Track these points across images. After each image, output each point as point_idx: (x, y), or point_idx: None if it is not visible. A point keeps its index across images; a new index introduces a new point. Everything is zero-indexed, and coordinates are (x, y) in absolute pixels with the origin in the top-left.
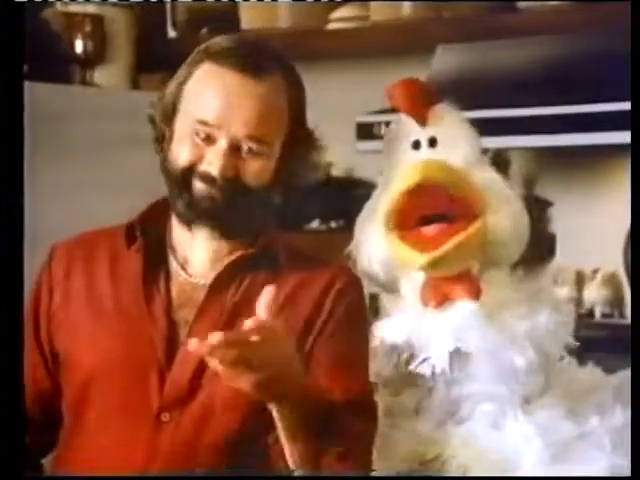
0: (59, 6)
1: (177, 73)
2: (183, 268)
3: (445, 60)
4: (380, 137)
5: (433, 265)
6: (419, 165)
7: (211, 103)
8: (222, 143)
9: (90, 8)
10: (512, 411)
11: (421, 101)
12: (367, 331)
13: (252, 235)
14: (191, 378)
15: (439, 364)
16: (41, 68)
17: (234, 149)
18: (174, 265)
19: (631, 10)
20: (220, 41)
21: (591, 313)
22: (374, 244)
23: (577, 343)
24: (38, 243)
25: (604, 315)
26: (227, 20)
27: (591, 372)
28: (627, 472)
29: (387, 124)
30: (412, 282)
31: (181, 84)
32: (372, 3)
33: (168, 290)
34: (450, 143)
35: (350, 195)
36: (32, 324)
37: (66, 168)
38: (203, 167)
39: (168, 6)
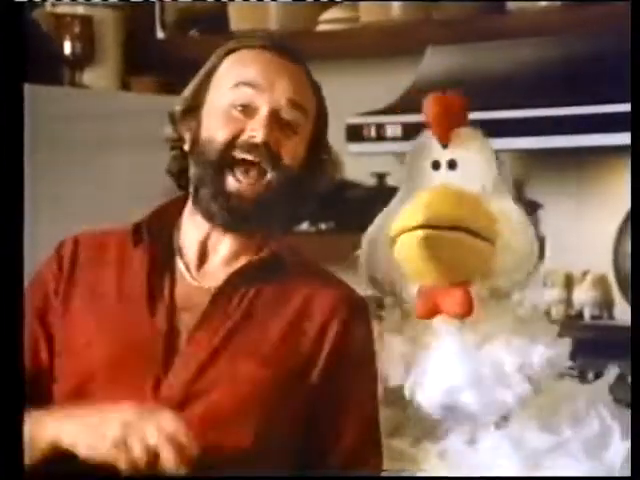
0: (48, 7)
1: (200, 71)
2: (189, 271)
3: (435, 62)
4: (370, 139)
5: (428, 237)
6: (424, 203)
7: (250, 70)
8: (264, 110)
9: (79, 9)
10: (487, 427)
11: (448, 121)
12: (374, 371)
13: (262, 236)
14: (187, 385)
15: (430, 400)
16: (30, 69)
17: (276, 119)
18: (180, 267)
19: (631, 10)
20: (247, 37)
21: (580, 315)
22: (380, 254)
23: (573, 366)
24: (36, 245)
25: (593, 317)
26: (216, 21)
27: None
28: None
29: (377, 126)
30: (410, 295)
31: (208, 75)
32: (361, 4)
33: (172, 293)
34: (469, 168)
35: (340, 197)
36: (35, 303)
37: (57, 169)
38: (245, 136)
39: (157, 7)
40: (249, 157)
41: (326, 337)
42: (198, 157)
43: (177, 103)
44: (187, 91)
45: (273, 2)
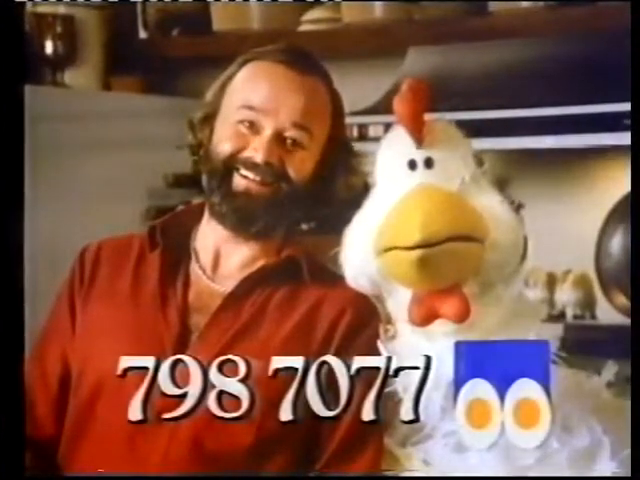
0: (29, 7)
1: (219, 78)
2: (205, 273)
3: (417, 62)
4: (352, 139)
5: (425, 257)
6: (418, 221)
7: (259, 91)
8: (267, 131)
9: (60, 8)
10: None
11: (421, 118)
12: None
13: (280, 240)
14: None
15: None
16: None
17: (279, 139)
18: (196, 270)
19: (631, 10)
20: (267, 47)
21: (563, 314)
22: (363, 261)
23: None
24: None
25: (575, 316)
26: (198, 21)
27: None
28: None
29: (359, 126)
30: (399, 299)
31: (224, 84)
32: (344, 5)
33: (185, 294)
34: (447, 165)
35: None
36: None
37: (44, 170)
38: (247, 154)
39: (139, 7)
40: (250, 175)
41: (333, 339)
42: (207, 163)
43: (196, 109)
44: (207, 97)
45: (255, 2)
